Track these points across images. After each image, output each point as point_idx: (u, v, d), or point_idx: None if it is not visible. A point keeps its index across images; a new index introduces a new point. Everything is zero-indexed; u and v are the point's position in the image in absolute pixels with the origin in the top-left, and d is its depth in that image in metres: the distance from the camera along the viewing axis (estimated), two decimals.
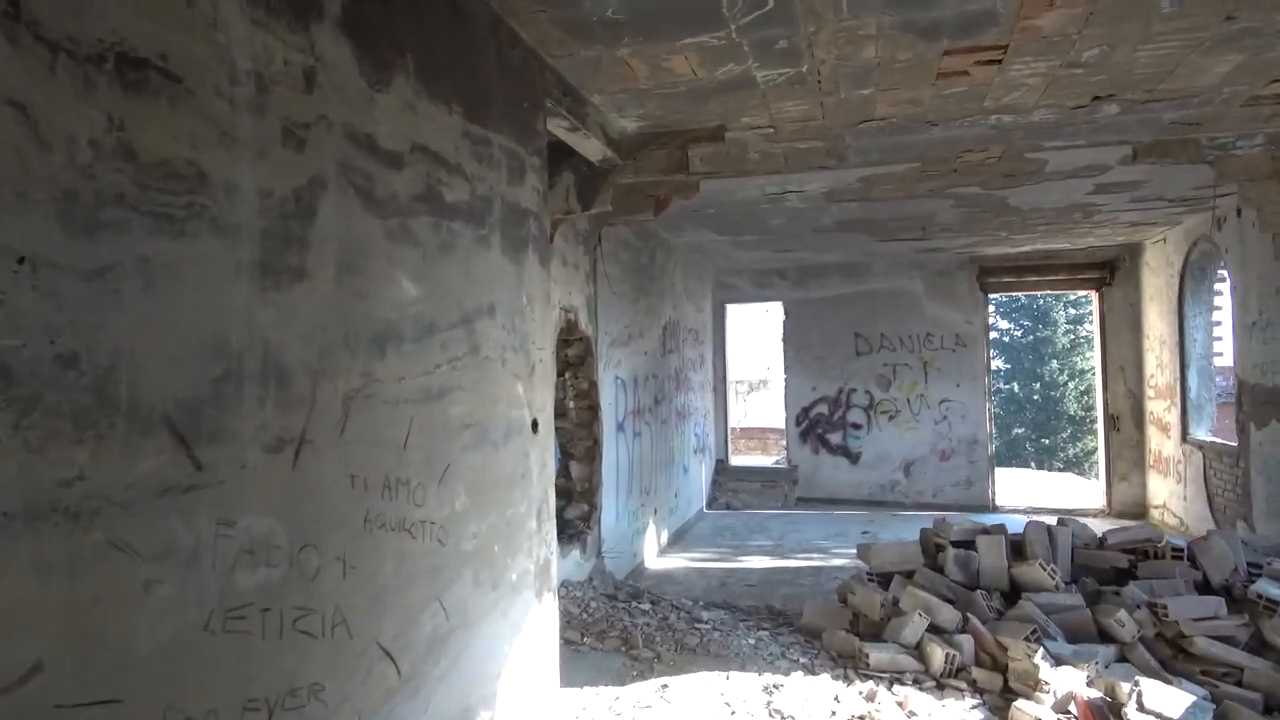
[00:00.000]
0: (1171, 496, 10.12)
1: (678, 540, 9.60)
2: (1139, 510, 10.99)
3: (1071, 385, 31.59)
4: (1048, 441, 31.50)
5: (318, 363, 2.23)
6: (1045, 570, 5.36)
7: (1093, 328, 11.43)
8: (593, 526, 6.83)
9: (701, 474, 11.59)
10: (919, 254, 11.31)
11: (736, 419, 19.42)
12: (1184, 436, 9.66)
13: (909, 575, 5.65)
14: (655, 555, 8.65)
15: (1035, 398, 31.97)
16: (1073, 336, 32.36)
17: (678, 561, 8.56)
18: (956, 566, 5.58)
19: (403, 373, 2.68)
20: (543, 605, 3.87)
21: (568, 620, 5.53)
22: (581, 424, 7.09)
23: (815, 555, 8.82)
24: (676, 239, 9.63)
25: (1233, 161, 5.97)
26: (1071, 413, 31.51)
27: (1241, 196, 7.37)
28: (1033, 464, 26.83)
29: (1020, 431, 32.15)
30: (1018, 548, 5.77)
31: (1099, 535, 5.95)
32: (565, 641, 5.11)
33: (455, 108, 3.11)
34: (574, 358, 6.92)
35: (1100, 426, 11.53)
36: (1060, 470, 25.19)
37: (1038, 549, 5.63)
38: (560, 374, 6.98)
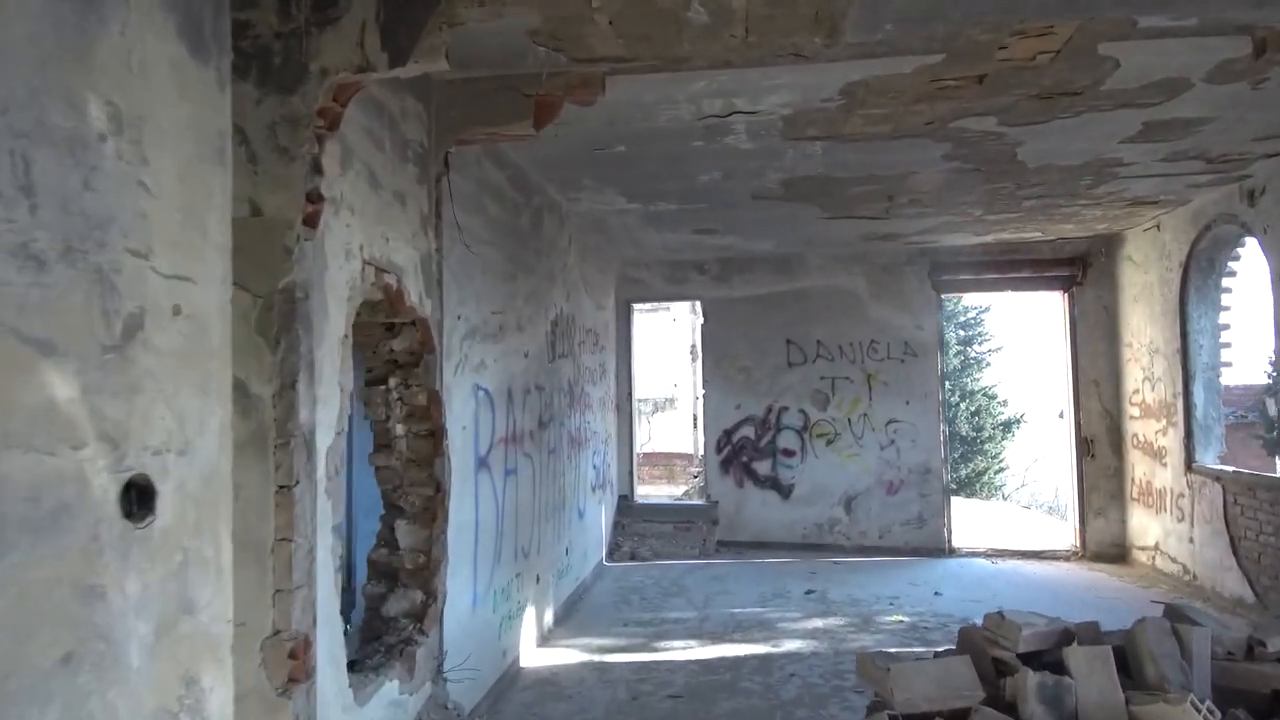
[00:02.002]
0: (1168, 537, 8.37)
1: (569, 616, 7.05)
2: (1118, 552, 9.25)
3: (962, 406, 30.96)
4: None
5: None
6: (1198, 712, 3.15)
7: (1065, 332, 9.72)
8: (429, 629, 4.23)
9: (601, 516, 9.10)
10: (865, 243, 9.29)
11: (639, 442, 17.09)
12: (1189, 464, 7.92)
13: (961, 717, 3.34)
14: (536, 646, 6.08)
15: None
16: (963, 357, 31.85)
17: (568, 655, 6.02)
18: (1041, 704, 3.30)
19: None
20: None
21: None
22: (416, 460, 4.49)
23: (756, 633, 6.47)
24: (572, 202, 7.18)
25: None
26: (963, 433, 30.84)
27: None
28: None
29: None
30: (1125, 657, 3.55)
31: (1245, 637, 3.80)
32: None
33: None
34: (401, 353, 4.35)
35: (1070, 452, 9.77)
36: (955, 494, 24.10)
37: (1164, 667, 3.42)
38: (379, 380, 4.39)
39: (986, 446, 31.44)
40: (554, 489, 6.90)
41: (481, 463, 5.06)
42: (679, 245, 9.22)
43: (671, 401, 17.08)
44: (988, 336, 32.61)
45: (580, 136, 5.35)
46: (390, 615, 4.34)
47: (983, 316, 32.22)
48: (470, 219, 4.93)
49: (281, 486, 2.97)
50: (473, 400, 4.91)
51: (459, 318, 4.71)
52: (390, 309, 4.05)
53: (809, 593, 7.79)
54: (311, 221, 3.07)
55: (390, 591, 4.39)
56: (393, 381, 4.43)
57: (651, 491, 16.00)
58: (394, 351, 4.42)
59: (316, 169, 3.08)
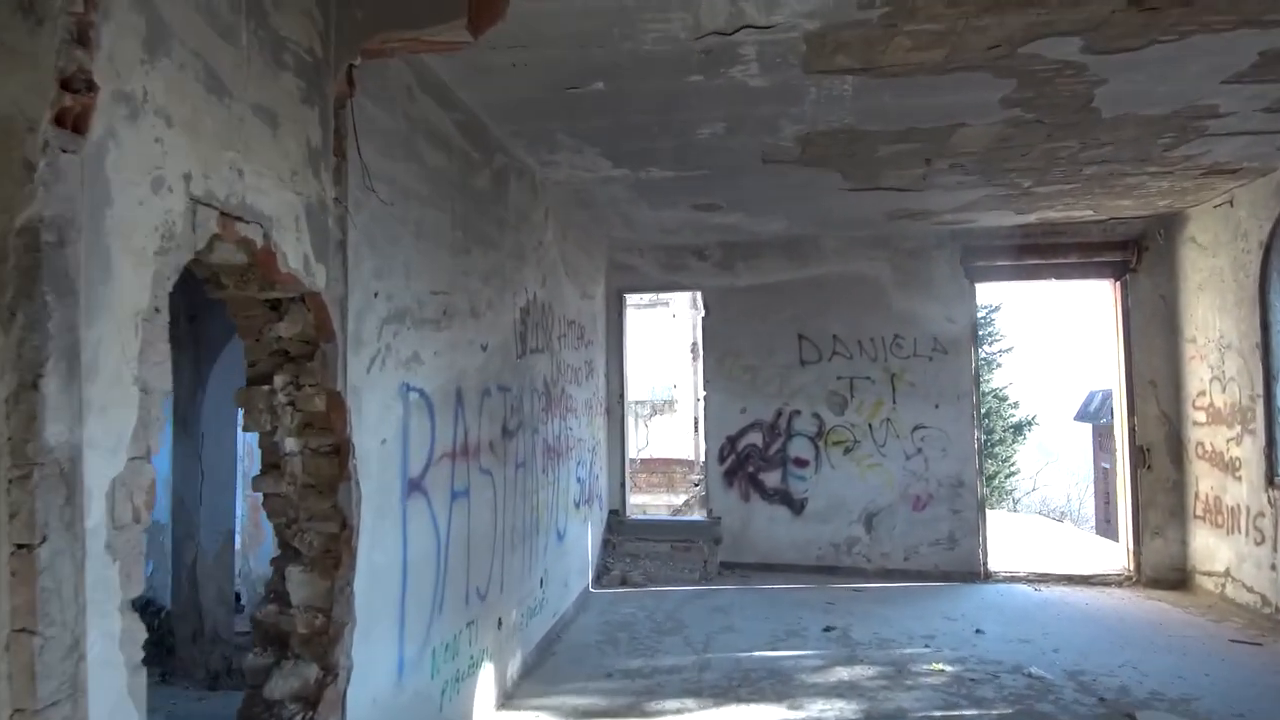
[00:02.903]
0: (1242, 562, 7.19)
1: (543, 662, 5.88)
2: (1178, 577, 8.07)
3: None
4: None
5: None
6: None
7: (1117, 325, 8.55)
8: (326, 718, 3.07)
9: (587, 535, 7.94)
10: (890, 222, 8.11)
11: (636, 447, 15.92)
12: (1270, 479, 6.75)
13: None
14: (495, 709, 4.91)
15: None
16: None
17: None
18: None
19: None
20: None
21: None
22: (315, 486, 3.34)
23: (768, 688, 5.29)
24: (547, 167, 6.02)
25: None
26: None
27: None
28: None
29: None
30: None
31: None
32: None
33: None
34: (292, 341, 3.19)
35: (1122, 462, 8.59)
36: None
37: None
38: (263, 378, 3.24)
39: (997, 450, 30.38)
40: (524, 510, 5.73)
41: (414, 486, 3.89)
42: (676, 225, 8.05)
43: (671, 404, 15.91)
44: (999, 336, 31.54)
45: (546, 67, 4.19)
46: (275, 698, 3.18)
47: (993, 315, 31.19)
48: (396, 166, 3.76)
49: (19, 546, 1.85)
50: (399, 405, 3.75)
51: (376, 294, 3.54)
52: (264, 274, 2.89)
53: (828, 630, 6.62)
54: (75, 124, 1.93)
55: (278, 664, 3.24)
56: (279, 380, 3.27)
57: (650, 501, 14.83)
58: (281, 339, 3.27)
59: (82, 39, 1.94)
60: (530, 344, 5.95)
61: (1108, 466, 32.45)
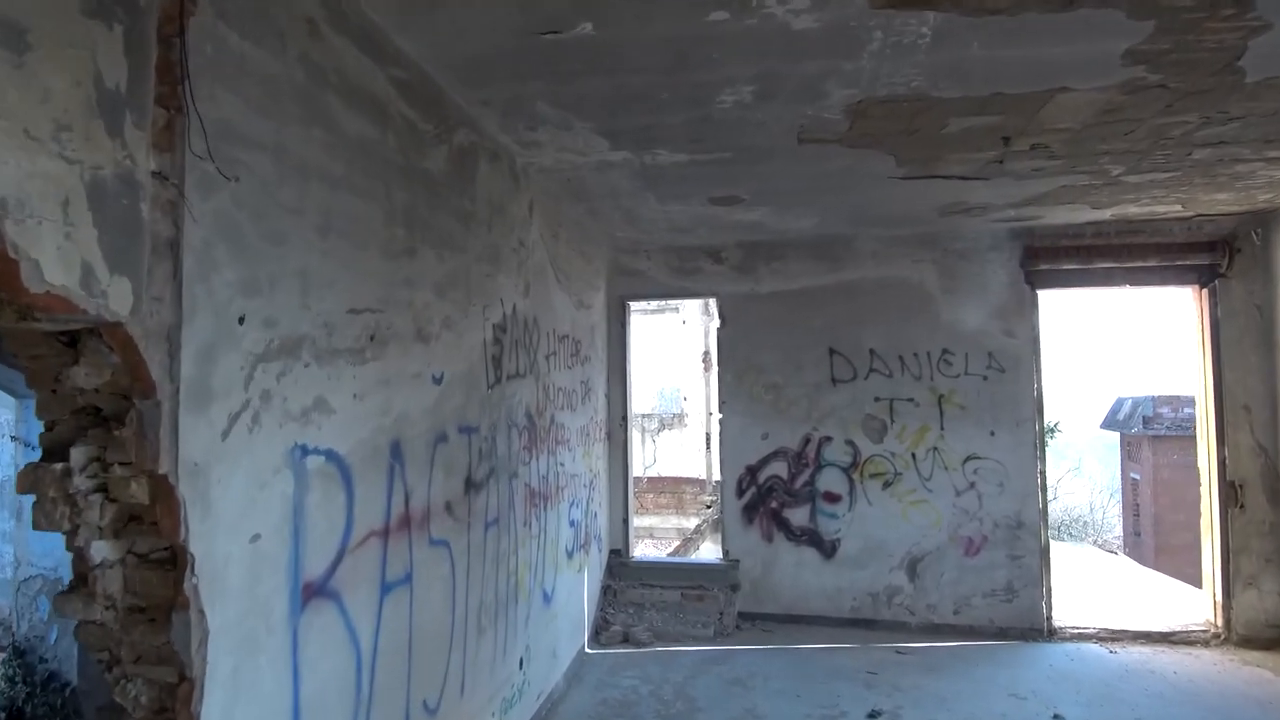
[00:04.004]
0: None
1: None
2: (1277, 635, 6.82)
3: None
4: None
5: None
6: None
7: (1202, 339, 7.30)
8: None
9: (583, 587, 6.76)
10: (941, 218, 6.89)
11: (643, 465, 14.73)
12: None
13: None
14: None
15: None
16: None
17: None
18: None
19: None
20: None
21: None
22: (144, 609, 2.19)
23: None
24: (529, 149, 4.83)
25: None
26: None
27: None
28: None
29: None
30: None
31: None
32: None
33: None
34: (101, 395, 2.05)
35: (1210, 500, 7.34)
36: None
37: None
38: (60, 448, 2.10)
39: None
40: (498, 578, 4.56)
41: (314, 593, 2.72)
42: (689, 222, 6.85)
43: (680, 417, 14.72)
44: None
45: (516, 1, 3.01)
46: None
47: None
48: (287, 133, 2.59)
49: None
50: (286, 479, 2.57)
51: (243, 320, 2.37)
52: (5, 298, 1.73)
53: (874, 717, 5.41)
54: None
55: None
56: (78, 455, 2.12)
57: (657, 524, 13.65)
58: (83, 391, 2.11)
59: None
60: (507, 368, 4.77)
61: (1137, 477, 31.04)
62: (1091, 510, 39.24)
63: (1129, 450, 31.91)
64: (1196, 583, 14.08)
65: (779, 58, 3.54)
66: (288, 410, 2.58)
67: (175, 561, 2.19)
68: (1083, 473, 41.26)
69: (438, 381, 3.73)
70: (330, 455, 2.82)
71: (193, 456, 2.17)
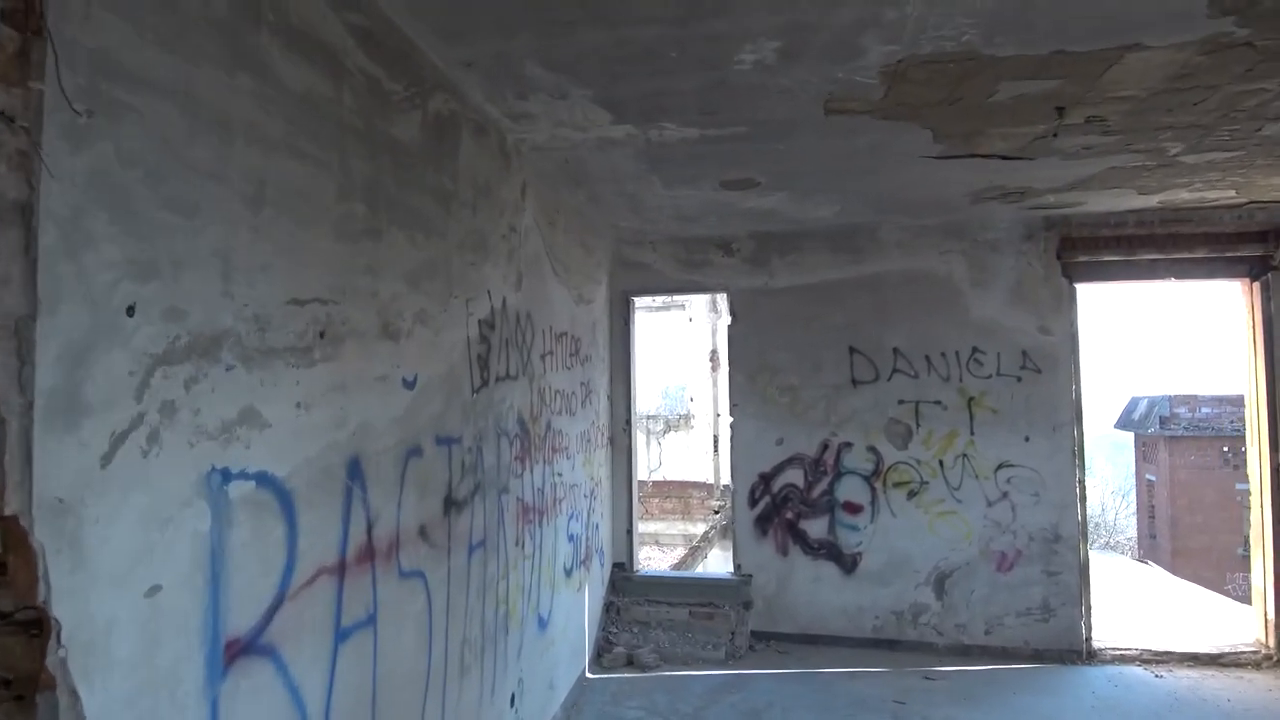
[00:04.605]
0: None
1: None
2: None
3: None
4: None
5: None
6: None
7: (1253, 335, 6.73)
8: None
9: (583, 606, 6.22)
10: (974, 205, 6.34)
11: (648, 468, 14.19)
12: None
13: None
14: None
15: None
16: None
17: None
18: None
19: None
20: None
21: None
22: (7, 682, 1.65)
23: None
24: (520, 124, 4.28)
25: None
26: None
27: None
28: None
29: None
30: None
31: None
32: None
33: None
34: None
35: (1261, 509, 6.77)
36: None
37: None
38: None
39: None
40: (484, 608, 4.02)
41: (244, 651, 2.18)
42: (698, 210, 6.31)
43: (687, 419, 14.18)
44: None
45: None
46: None
47: None
48: (201, 76, 2.05)
49: None
50: (199, 513, 2.03)
51: (133, 310, 1.83)
52: None
53: None
54: None
55: None
56: None
57: (663, 530, 13.11)
58: None
59: None
60: (496, 370, 4.23)
61: (1153, 479, 30.41)
62: (1103, 512, 38.58)
63: (1144, 451, 31.30)
64: (1217, 587, 13.50)
65: (809, 3, 2.99)
66: (201, 426, 2.04)
67: (40, 629, 1.66)
68: (1094, 473, 40.65)
69: (410, 386, 3.19)
70: (263, 480, 2.28)
71: (55, 491, 1.63)
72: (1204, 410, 27.47)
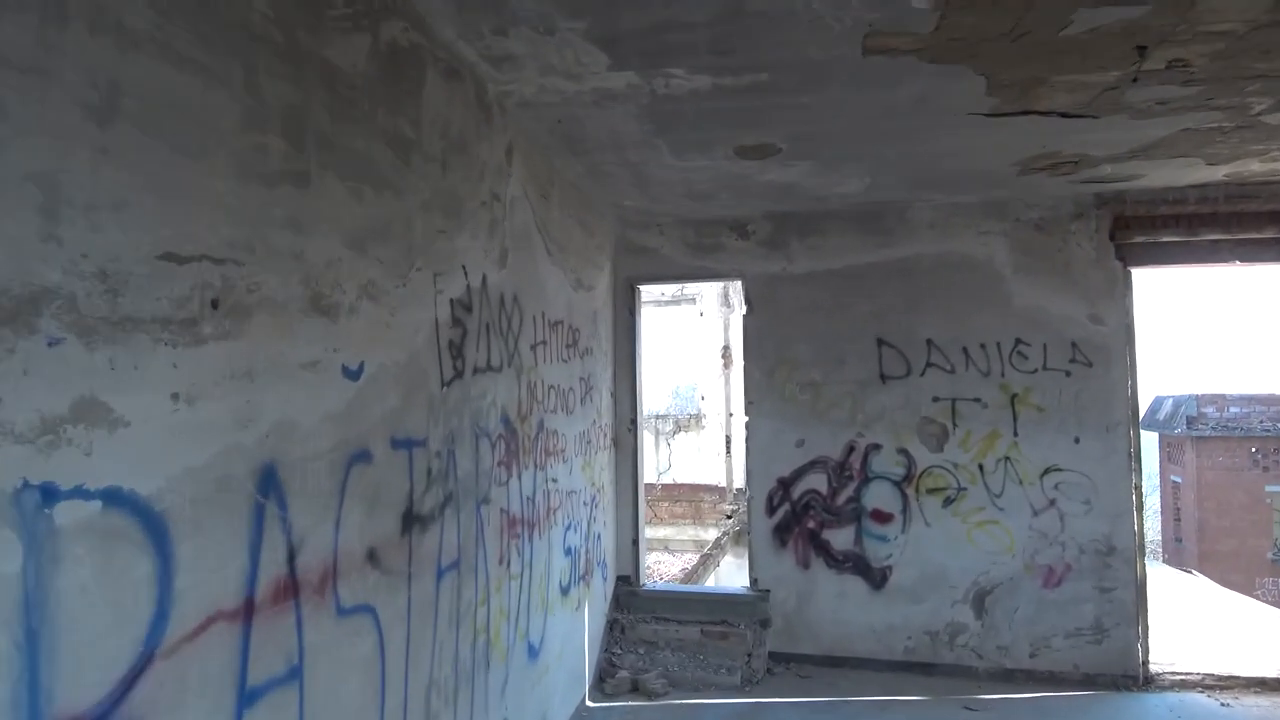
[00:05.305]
0: None
1: None
2: None
3: None
4: None
5: None
6: None
7: None
8: None
9: (583, 626, 5.58)
10: (1019, 178, 5.66)
11: (657, 470, 13.55)
12: None
13: None
14: None
15: None
16: None
17: None
18: None
19: None
20: None
21: None
22: None
23: None
24: (500, 67, 3.63)
25: None
26: None
27: None
28: None
29: None
30: None
31: None
32: None
33: None
34: None
35: None
36: None
37: None
38: None
39: None
40: (457, 643, 3.38)
41: None
42: (709, 184, 5.65)
43: (698, 419, 13.54)
44: None
45: None
46: None
47: None
48: None
49: None
50: (11, 549, 1.41)
51: None
52: None
53: None
54: None
55: None
56: None
57: (673, 535, 12.46)
58: None
59: None
60: (474, 359, 3.60)
61: (1178, 480, 29.52)
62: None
63: (1169, 452, 30.40)
64: (1246, 593, 12.70)
65: None
66: (7, 426, 1.42)
67: None
68: None
69: (353, 375, 2.56)
70: (115, 498, 1.65)
71: None
72: (1232, 410, 26.60)
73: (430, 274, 3.15)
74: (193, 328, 1.88)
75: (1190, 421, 26.62)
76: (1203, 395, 27.24)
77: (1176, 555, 27.67)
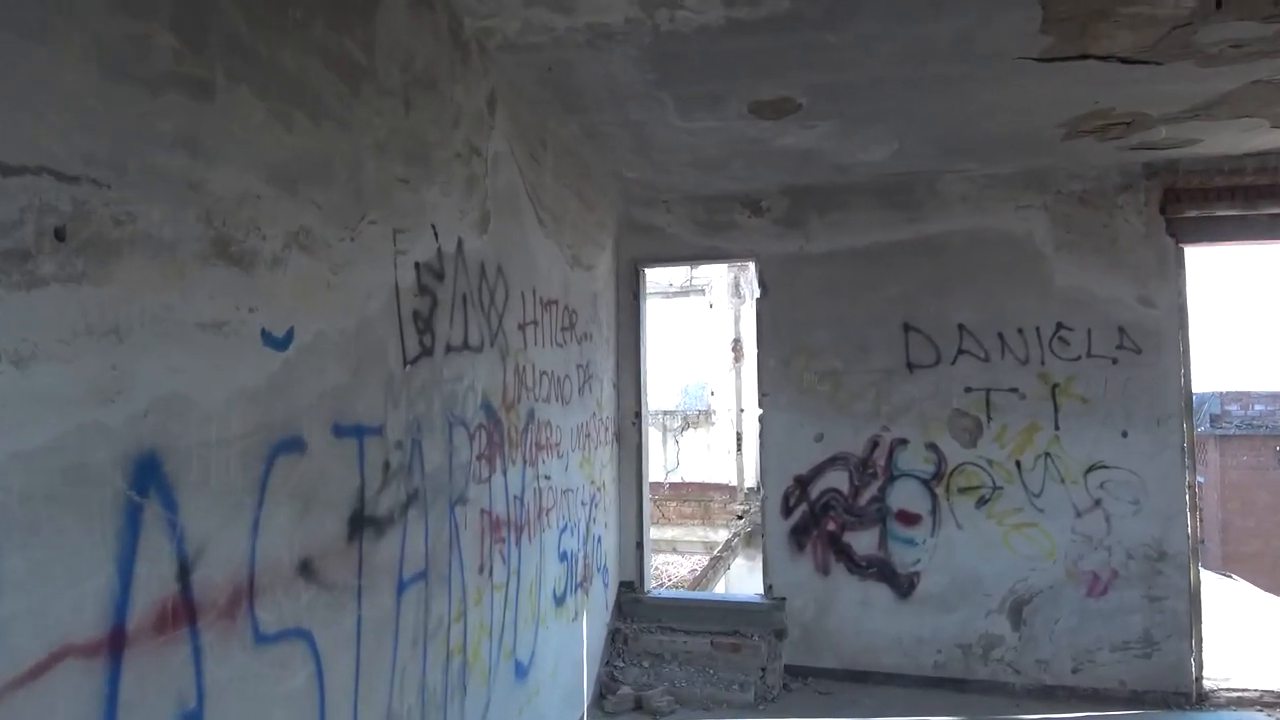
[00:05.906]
0: None
1: None
2: None
3: None
4: None
5: None
6: None
7: None
8: None
9: (581, 638, 5.08)
10: (1063, 142, 5.11)
11: (664, 469, 13.04)
12: None
13: None
14: None
15: None
16: None
17: None
18: None
19: None
20: None
21: None
22: None
23: None
24: (491, 19, 3.14)
25: None
26: None
27: None
28: None
29: None
30: None
31: None
32: None
33: None
34: None
35: None
36: None
37: None
38: None
39: None
40: (424, 667, 2.88)
41: None
42: (720, 150, 5.13)
43: (707, 415, 13.04)
44: None
45: None
46: None
47: None
48: None
49: None
50: None
51: None
52: None
53: None
54: None
55: None
56: None
57: (681, 536, 11.95)
58: None
59: None
60: (447, 335, 3.09)
61: (1202, 480, 28.78)
62: None
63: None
64: (1275, 594, 12.08)
65: None
66: None
67: None
68: None
69: (278, 344, 2.06)
70: None
71: None
72: (1257, 408, 25.86)
73: (388, 229, 2.64)
74: (24, 264, 1.39)
75: (1214, 419, 25.89)
76: (1226, 393, 26.50)
77: (1201, 557, 26.99)
